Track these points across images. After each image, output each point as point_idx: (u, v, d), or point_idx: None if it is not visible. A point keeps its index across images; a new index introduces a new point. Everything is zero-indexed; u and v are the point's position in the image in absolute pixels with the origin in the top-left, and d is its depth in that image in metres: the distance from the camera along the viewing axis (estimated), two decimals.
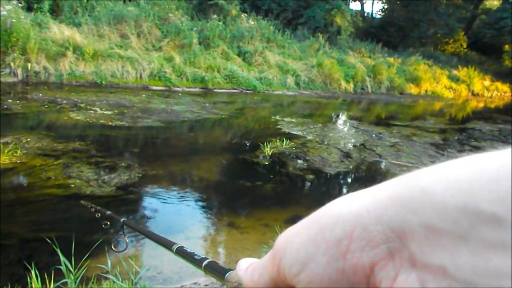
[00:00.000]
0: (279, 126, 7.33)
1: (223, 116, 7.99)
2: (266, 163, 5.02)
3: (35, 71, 9.07)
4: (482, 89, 22.22)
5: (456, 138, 8.20)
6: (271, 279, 0.26)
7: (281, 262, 0.24)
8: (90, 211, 1.20)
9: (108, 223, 1.03)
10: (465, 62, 23.67)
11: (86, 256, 2.15)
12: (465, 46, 27.25)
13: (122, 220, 0.87)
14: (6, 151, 4.09)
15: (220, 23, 14.08)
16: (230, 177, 4.64)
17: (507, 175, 0.16)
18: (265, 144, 5.42)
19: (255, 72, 13.38)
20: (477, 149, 7.06)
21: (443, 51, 26.08)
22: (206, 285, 2.40)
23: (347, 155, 5.76)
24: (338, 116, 10.53)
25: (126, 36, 11.86)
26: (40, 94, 7.84)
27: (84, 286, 2.08)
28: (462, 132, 9.02)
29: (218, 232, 3.23)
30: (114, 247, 0.94)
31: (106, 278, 2.12)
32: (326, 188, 4.79)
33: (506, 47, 26.39)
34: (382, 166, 5.53)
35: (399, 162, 5.59)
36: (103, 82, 9.80)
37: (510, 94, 23.50)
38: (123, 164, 4.34)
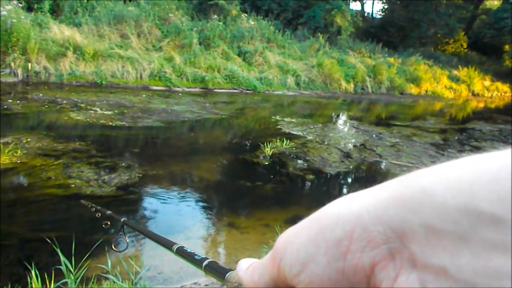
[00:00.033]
0: (279, 126, 7.33)
1: (223, 116, 7.99)
2: (266, 163, 5.02)
3: (35, 71, 9.07)
4: (482, 89, 22.22)
5: (456, 138, 8.19)
6: (271, 280, 0.26)
7: (282, 263, 0.24)
8: (90, 211, 1.20)
9: (109, 223, 1.03)
10: (465, 62, 23.67)
11: (86, 256, 2.15)
12: (465, 46, 27.25)
13: (122, 220, 0.87)
14: (6, 151, 4.09)
15: (220, 23, 14.08)
16: (230, 177, 4.64)
17: (507, 176, 0.16)
18: (265, 144, 5.42)
19: (255, 72, 13.38)
20: (477, 149, 7.06)
21: (443, 51, 26.08)
22: (206, 285, 2.40)
23: (347, 155, 5.76)
24: (338, 116, 10.53)
25: (126, 36, 11.86)
26: (40, 94, 7.84)
27: (84, 286, 2.08)
28: (463, 132, 9.02)
29: (218, 232, 3.23)
30: (114, 247, 0.94)
31: (106, 278, 2.12)
32: (326, 188, 4.79)
33: (506, 47, 26.39)
34: (382, 166, 5.53)
35: (399, 162, 5.59)
36: (103, 82, 9.80)
37: (510, 94, 23.50)
38: (123, 164, 4.34)
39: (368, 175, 5.22)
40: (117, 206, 3.34)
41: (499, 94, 22.96)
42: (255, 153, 5.37)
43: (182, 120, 7.07)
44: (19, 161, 4.03)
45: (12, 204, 3.24)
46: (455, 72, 21.74)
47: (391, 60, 19.15)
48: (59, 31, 10.06)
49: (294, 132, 6.88)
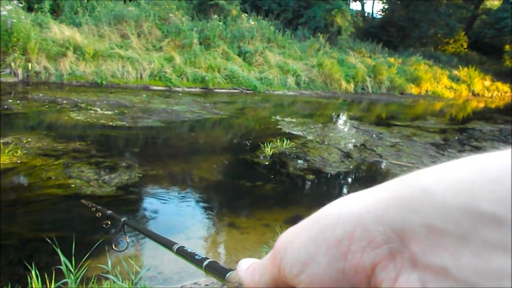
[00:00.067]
0: (279, 126, 7.33)
1: (224, 116, 7.99)
2: (267, 163, 5.02)
3: (35, 71, 9.08)
4: (483, 89, 22.22)
5: (456, 138, 8.19)
6: (271, 280, 0.26)
7: (282, 263, 0.24)
8: (91, 211, 1.20)
9: (109, 223, 1.03)
10: (465, 62, 23.67)
11: (86, 256, 2.16)
12: (465, 46, 27.25)
13: (122, 219, 0.87)
14: (6, 151, 4.09)
15: (221, 23, 14.08)
16: (230, 177, 4.64)
17: (508, 176, 0.16)
18: (265, 144, 5.42)
19: (256, 72, 13.38)
20: (477, 149, 7.06)
21: (443, 51, 26.08)
22: (206, 285, 2.40)
23: (347, 155, 5.76)
24: (338, 116, 10.53)
25: (126, 36, 11.86)
26: (41, 94, 7.84)
27: (84, 286, 2.08)
28: (463, 132, 9.02)
29: (219, 232, 3.23)
30: (115, 247, 0.94)
31: (107, 278, 2.12)
32: (327, 188, 4.79)
33: (507, 47, 26.40)
34: (383, 166, 5.52)
35: (399, 162, 5.58)
36: (104, 82, 9.80)
37: (511, 94, 23.49)
38: (123, 164, 4.34)
39: (368, 175, 5.22)
40: (117, 206, 3.34)
41: (499, 94, 22.96)
42: (255, 153, 5.37)
43: (182, 120, 7.07)
44: (19, 161, 4.03)
45: (12, 204, 3.24)
46: (455, 72, 21.74)
47: (391, 60, 19.15)
48: (59, 31, 10.06)
49: (294, 132, 6.88)
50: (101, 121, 6.17)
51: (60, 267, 2.02)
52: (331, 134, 7.12)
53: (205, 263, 0.41)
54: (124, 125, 6.15)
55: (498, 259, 0.15)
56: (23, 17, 9.50)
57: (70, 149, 4.60)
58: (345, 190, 4.69)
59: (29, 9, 10.81)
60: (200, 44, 12.88)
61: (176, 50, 12.28)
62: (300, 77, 14.21)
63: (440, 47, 26.52)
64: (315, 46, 16.35)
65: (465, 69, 21.99)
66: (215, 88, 11.67)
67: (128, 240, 0.92)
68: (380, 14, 28.10)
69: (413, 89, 17.94)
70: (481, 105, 17.71)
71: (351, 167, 5.31)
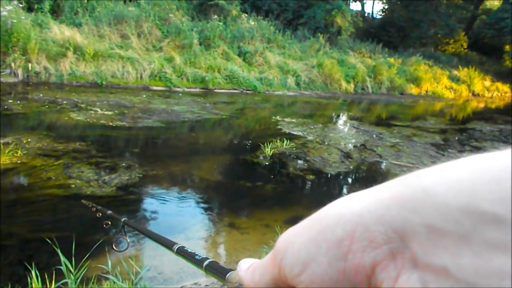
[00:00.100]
0: (279, 127, 7.33)
1: (224, 117, 7.99)
2: (267, 163, 5.02)
3: (35, 71, 9.08)
4: (483, 89, 22.22)
5: (456, 138, 8.19)
6: (272, 280, 0.26)
7: (282, 263, 0.24)
8: (91, 211, 1.20)
9: (109, 223, 1.02)
10: (465, 62, 23.68)
11: (86, 256, 2.16)
12: (465, 47, 27.25)
13: (123, 220, 0.87)
14: (6, 151, 4.09)
15: (221, 23, 14.09)
16: (230, 177, 4.64)
17: (508, 176, 0.16)
18: (265, 144, 5.42)
19: (256, 72, 13.39)
20: (477, 149, 7.06)
21: (443, 52, 26.08)
22: (206, 285, 2.40)
23: (347, 155, 5.76)
24: (338, 116, 10.53)
25: (126, 36, 11.86)
26: (41, 95, 7.84)
27: (84, 286, 2.08)
28: (463, 132, 9.02)
29: (219, 233, 3.23)
30: (115, 247, 0.94)
31: (107, 279, 2.12)
32: (327, 188, 4.79)
33: (507, 47, 26.40)
34: (383, 167, 5.52)
35: (399, 163, 5.58)
36: (104, 83, 9.81)
37: (511, 94, 23.49)
38: (123, 164, 4.34)
39: (368, 176, 5.22)
40: (117, 206, 3.34)
41: (499, 94, 22.96)
42: (255, 153, 5.37)
43: (182, 121, 7.07)
44: (19, 161, 4.03)
45: (12, 204, 3.24)
46: (455, 72, 21.75)
47: (391, 60, 19.16)
48: (60, 31, 10.07)
49: (294, 133, 6.88)
50: (101, 122, 6.17)
51: (60, 267, 2.02)
52: (331, 134, 7.12)
53: (205, 263, 0.41)
54: (124, 125, 6.15)
55: (499, 259, 0.15)
56: (23, 17, 9.51)
57: (70, 149, 4.60)
58: (345, 190, 4.69)
59: (29, 9, 10.82)
60: (200, 44, 12.88)
61: (176, 51, 12.28)
62: (300, 78, 14.22)
63: (440, 47, 26.53)
64: (315, 46, 16.36)
65: (465, 69, 22.01)
66: (215, 89, 11.67)
67: (128, 240, 0.92)
68: (380, 14, 28.15)
69: (413, 89, 17.95)
70: (481, 105, 17.71)
71: (351, 167, 5.31)
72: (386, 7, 27.63)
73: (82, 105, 7.21)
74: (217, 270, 0.39)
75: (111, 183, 3.77)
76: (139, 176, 4.04)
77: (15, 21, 8.98)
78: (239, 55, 13.87)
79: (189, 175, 4.49)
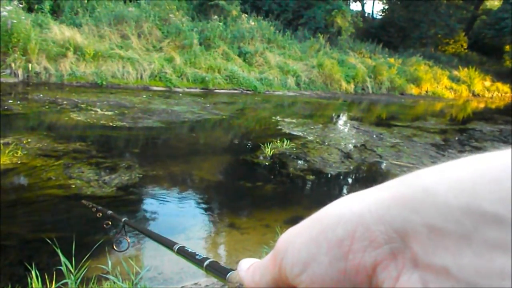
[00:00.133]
0: (279, 127, 7.33)
1: (224, 117, 7.99)
2: (267, 163, 5.02)
3: (35, 71, 9.08)
4: (483, 89, 22.22)
5: (456, 138, 8.19)
6: (272, 280, 0.26)
7: (283, 262, 0.24)
8: (91, 211, 1.20)
9: (110, 223, 1.02)
10: (465, 62, 23.67)
11: (86, 256, 2.16)
12: (465, 47, 27.25)
13: (123, 220, 0.87)
14: (7, 151, 4.09)
15: (221, 23, 14.09)
16: (230, 177, 4.64)
17: (509, 176, 0.16)
18: (265, 144, 5.41)
19: (256, 72, 13.39)
20: (478, 149, 7.06)
21: (443, 52, 26.08)
22: (207, 285, 2.40)
23: (347, 155, 5.76)
24: (338, 116, 10.53)
25: (126, 36, 11.87)
26: (41, 95, 7.85)
27: (84, 287, 2.08)
28: (463, 132, 9.02)
29: (219, 233, 3.23)
30: (116, 247, 0.94)
31: (107, 279, 2.12)
32: (327, 188, 4.79)
33: (507, 47, 26.39)
34: (383, 167, 5.52)
35: (399, 163, 5.58)
36: (104, 83, 9.81)
37: (511, 94, 23.48)
38: (123, 164, 4.34)
39: (369, 176, 5.22)
40: (117, 206, 3.34)
41: (499, 94, 22.95)
42: (255, 153, 5.37)
43: (182, 121, 7.07)
44: (19, 162, 4.03)
45: (12, 205, 3.24)
46: (455, 72, 21.75)
47: (392, 60, 19.16)
48: (60, 31, 10.07)
49: (295, 133, 6.88)
50: (101, 122, 6.17)
51: (60, 267, 2.02)
52: (331, 134, 7.12)
53: (206, 263, 0.41)
54: (124, 125, 6.15)
55: (500, 259, 0.15)
56: (23, 17, 9.51)
57: (70, 150, 4.60)
58: (345, 191, 4.69)
59: (29, 9, 10.82)
60: (200, 44, 12.88)
61: (176, 51, 12.28)
62: (300, 78, 14.22)
63: (440, 47, 26.52)
64: (315, 46, 16.36)
65: (465, 69, 22.00)
66: (215, 89, 11.67)
67: (129, 240, 0.92)
68: (380, 15, 28.15)
69: (413, 90, 17.94)
70: (481, 105, 17.71)
71: (351, 167, 5.31)
72: (386, 7, 27.64)
73: (82, 105, 7.21)
74: (217, 270, 0.39)
75: (111, 183, 3.77)
76: (139, 176, 4.04)
77: (15, 21, 8.98)
78: (239, 55, 13.87)
79: (189, 175, 4.49)
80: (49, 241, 2.20)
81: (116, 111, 7.06)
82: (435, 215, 0.17)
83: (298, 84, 14.07)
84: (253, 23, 15.42)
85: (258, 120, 8.34)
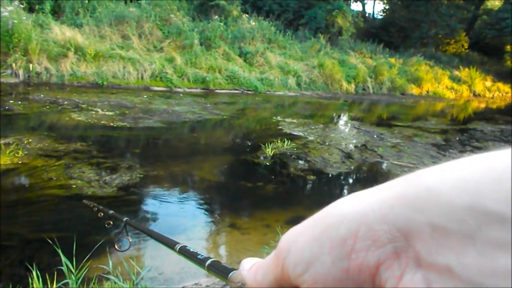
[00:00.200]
0: (280, 127, 7.33)
1: (224, 117, 8.00)
2: (268, 163, 5.02)
3: (36, 72, 9.09)
4: (484, 89, 22.19)
5: (457, 138, 8.18)
6: (274, 279, 0.25)
7: (285, 262, 0.24)
8: (92, 211, 1.20)
9: (111, 223, 1.02)
10: (466, 62, 23.64)
11: (87, 256, 2.16)
12: (466, 47, 27.21)
13: (124, 219, 0.87)
14: (7, 151, 4.09)
15: (221, 23, 14.09)
16: (231, 177, 4.64)
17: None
18: (266, 144, 5.41)
19: (256, 72, 13.39)
20: (478, 149, 7.05)
21: (444, 52, 26.04)
22: (207, 285, 2.40)
23: (348, 155, 5.76)
24: (339, 116, 10.53)
25: (127, 37, 11.87)
26: (42, 95, 7.85)
27: (85, 287, 2.08)
28: (464, 132, 9.01)
29: (220, 233, 3.23)
30: (117, 247, 0.94)
31: (108, 279, 2.12)
32: (328, 188, 4.78)
33: (508, 47, 26.34)
34: (384, 167, 5.52)
35: (400, 163, 5.58)
36: (105, 83, 9.82)
37: None
38: (124, 164, 4.34)
39: (369, 176, 5.21)
40: (118, 207, 3.34)
41: (500, 94, 22.92)
42: (256, 153, 5.37)
43: (183, 121, 7.07)
44: (20, 162, 4.03)
45: (13, 205, 3.24)
46: (456, 72, 21.72)
47: (392, 60, 19.14)
48: (60, 32, 10.08)
49: (295, 133, 6.88)
50: (102, 122, 6.17)
51: (61, 267, 2.02)
52: (332, 134, 7.12)
53: (208, 262, 0.41)
54: (125, 125, 6.16)
55: (504, 259, 0.15)
56: (24, 18, 9.52)
57: (71, 150, 4.61)
58: (346, 191, 4.69)
59: (30, 10, 10.84)
60: (201, 44, 12.88)
61: (177, 51, 12.29)
62: (301, 78, 14.21)
63: (441, 47, 26.49)
64: (316, 46, 16.35)
65: (466, 69, 21.97)
66: (216, 89, 11.68)
67: (130, 240, 0.92)
68: (381, 15, 28.13)
69: (414, 90, 17.93)
70: (482, 105, 17.69)
71: (352, 167, 5.31)
72: (387, 7, 27.63)
73: (83, 106, 7.22)
74: (219, 270, 0.39)
75: (112, 183, 3.77)
76: (140, 176, 4.04)
77: (16, 21, 8.99)
78: (240, 56, 13.87)
79: (190, 175, 4.50)
80: (50, 241, 2.21)
81: (117, 111, 7.06)
82: (438, 214, 0.17)
83: (298, 84, 14.07)
84: (253, 23, 15.42)
85: (259, 120, 8.34)
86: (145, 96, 9.24)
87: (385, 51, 20.26)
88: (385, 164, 5.59)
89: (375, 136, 7.35)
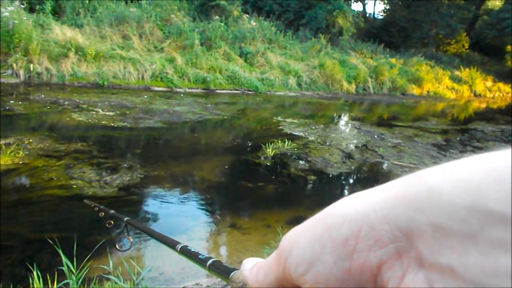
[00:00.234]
0: (281, 127, 7.33)
1: (225, 117, 8.00)
2: (268, 164, 5.02)
3: (37, 72, 9.10)
4: (484, 89, 22.16)
5: (458, 139, 8.18)
6: (276, 279, 0.25)
7: (287, 262, 0.24)
8: (92, 212, 1.20)
9: (112, 222, 1.03)
10: (467, 62, 23.62)
11: (88, 256, 2.16)
12: (467, 47, 27.19)
13: (125, 219, 0.87)
14: (8, 152, 4.10)
15: (222, 24, 14.09)
16: (232, 178, 4.64)
17: None
18: (267, 145, 5.41)
19: (257, 73, 13.38)
20: (479, 150, 7.04)
21: (445, 52, 26.02)
22: (208, 286, 2.40)
23: (349, 156, 5.75)
24: (340, 117, 10.52)
25: (128, 37, 11.88)
26: (42, 95, 7.86)
27: (86, 287, 2.09)
28: (464, 133, 9.00)
29: (220, 233, 3.23)
30: (118, 247, 0.94)
31: (108, 279, 2.12)
32: (328, 189, 4.78)
33: (508, 47, 26.32)
34: (384, 167, 5.52)
35: (401, 163, 5.58)
36: (105, 83, 9.82)
37: None
38: (125, 165, 4.35)
39: (370, 176, 5.21)
40: (119, 207, 3.34)
41: (501, 94, 22.89)
42: (256, 154, 5.37)
43: (183, 121, 7.08)
44: (21, 162, 4.04)
45: (14, 205, 3.25)
46: (457, 72, 21.70)
47: (393, 60, 19.13)
48: (61, 32, 10.08)
49: (296, 133, 6.87)
50: (103, 122, 6.18)
51: (62, 267, 2.02)
52: (333, 135, 7.12)
53: (209, 262, 0.41)
54: (126, 126, 6.16)
55: (506, 259, 0.15)
56: (24, 18, 9.53)
57: (72, 150, 4.61)
58: (346, 191, 4.69)
59: (31, 10, 10.85)
60: (202, 45, 12.88)
61: (178, 51, 12.29)
62: (301, 78, 14.21)
63: (441, 47, 26.47)
64: (317, 47, 16.34)
65: (467, 69, 21.95)
66: (217, 89, 11.68)
67: (131, 240, 0.92)
68: (382, 15, 28.14)
69: (414, 90, 17.92)
70: (483, 105, 17.67)
71: (353, 168, 5.31)
72: (387, 7, 27.64)
73: (83, 106, 7.22)
74: (220, 270, 0.39)
75: (113, 183, 3.77)
76: (141, 176, 4.04)
77: (16, 22, 9.00)
78: (240, 56, 13.87)
79: (191, 175, 4.50)
80: (50, 241, 2.21)
81: (117, 112, 7.06)
82: (440, 214, 0.17)
83: (299, 85, 14.06)
84: (254, 24, 15.42)
85: (259, 121, 8.34)
86: (145, 96, 9.24)
87: (385, 51, 20.25)
88: (386, 164, 5.59)
89: (375, 136, 7.35)
